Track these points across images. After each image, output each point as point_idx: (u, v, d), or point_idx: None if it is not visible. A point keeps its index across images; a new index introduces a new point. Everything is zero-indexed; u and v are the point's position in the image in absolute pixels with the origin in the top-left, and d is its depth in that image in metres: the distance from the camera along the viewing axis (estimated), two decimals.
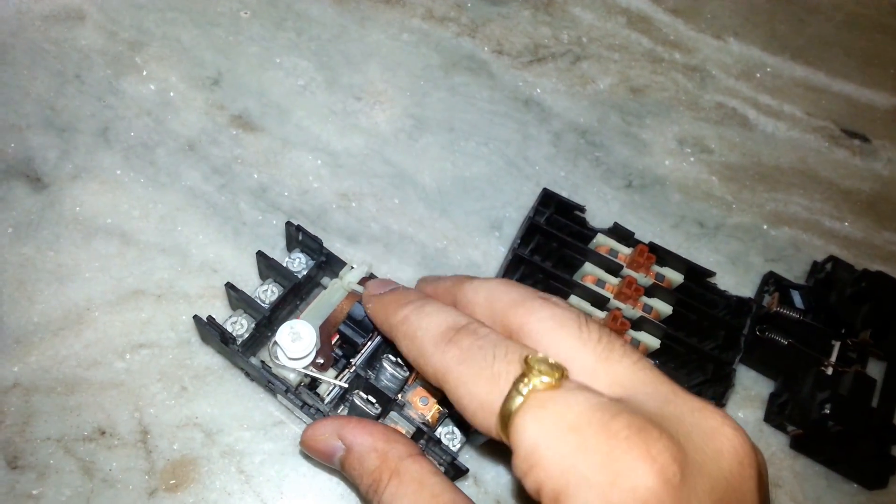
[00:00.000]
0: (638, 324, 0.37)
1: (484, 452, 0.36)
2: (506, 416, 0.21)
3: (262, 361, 0.33)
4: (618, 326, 0.36)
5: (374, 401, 0.32)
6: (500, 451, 0.36)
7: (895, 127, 0.52)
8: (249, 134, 0.43)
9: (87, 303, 0.36)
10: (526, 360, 0.22)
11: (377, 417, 0.32)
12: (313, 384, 0.33)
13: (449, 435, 0.33)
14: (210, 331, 0.33)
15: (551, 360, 0.22)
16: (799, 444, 0.39)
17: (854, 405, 0.38)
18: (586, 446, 0.20)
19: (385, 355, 0.32)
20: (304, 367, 0.33)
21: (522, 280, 0.38)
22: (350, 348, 0.33)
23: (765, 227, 0.46)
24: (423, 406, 0.32)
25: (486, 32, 0.49)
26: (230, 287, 0.34)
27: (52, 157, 0.40)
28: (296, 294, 0.35)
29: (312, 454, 0.29)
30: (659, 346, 0.37)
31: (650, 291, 0.38)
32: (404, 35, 0.48)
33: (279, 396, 0.35)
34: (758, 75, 0.52)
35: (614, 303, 0.38)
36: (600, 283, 0.38)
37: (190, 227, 0.39)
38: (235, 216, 0.40)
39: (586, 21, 0.51)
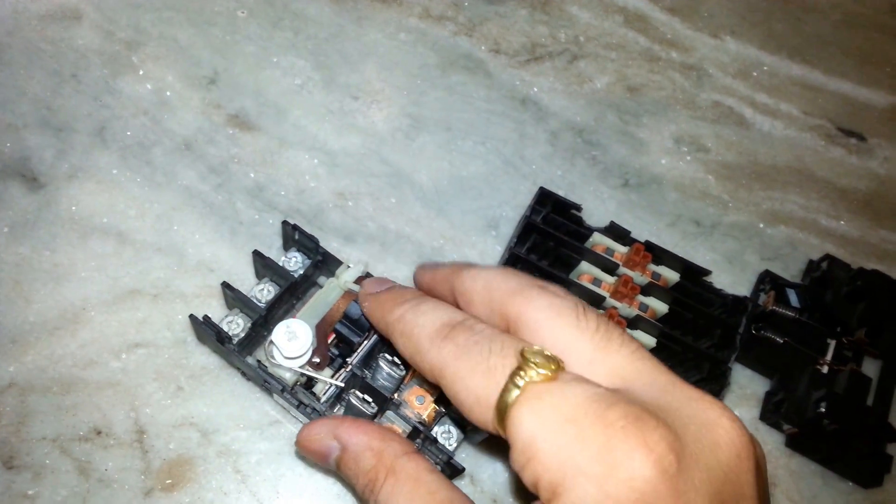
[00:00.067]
0: (634, 322, 0.38)
1: (480, 451, 0.36)
2: (502, 410, 0.22)
3: (259, 361, 0.33)
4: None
5: (370, 400, 0.32)
6: (496, 449, 0.36)
7: (891, 126, 0.52)
8: (246, 133, 0.43)
9: (83, 302, 0.36)
10: (522, 354, 0.22)
11: (374, 416, 0.32)
12: (309, 383, 0.33)
13: (445, 434, 0.33)
14: (206, 330, 0.33)
15: (547, 353, 0.22)
16: (794, 443, 0.40)
17: (849, 404, 0.38)
18: (583, 437, 0.20)
19: (381, 354, 0.33)
20: (301, 367, 0.33)
21: None
22: (346, 347, 0.33)
23: (761, 225, 0.46)
24: (419, 405, 0.33)
25: (483, 31, 0.49)
26: (226, 286, 0.34)
27: (49, 156, 0.40)
28: (292, 293, 0.35)
29: (308, 455, 0.29)
30: (655, 345, 0.37)
31: (646, 290, 0.39)
32: (401, 34, 0.48)
33: (275, 396, 0.35)
34: (754, 74, 0.52)
35: (610, 301, 0.38)
36: (597, 281, 0.38)
37: (186, 226, 0.39)
38: (232, 215, 0.40)
39: (583, 20, 0.51)
